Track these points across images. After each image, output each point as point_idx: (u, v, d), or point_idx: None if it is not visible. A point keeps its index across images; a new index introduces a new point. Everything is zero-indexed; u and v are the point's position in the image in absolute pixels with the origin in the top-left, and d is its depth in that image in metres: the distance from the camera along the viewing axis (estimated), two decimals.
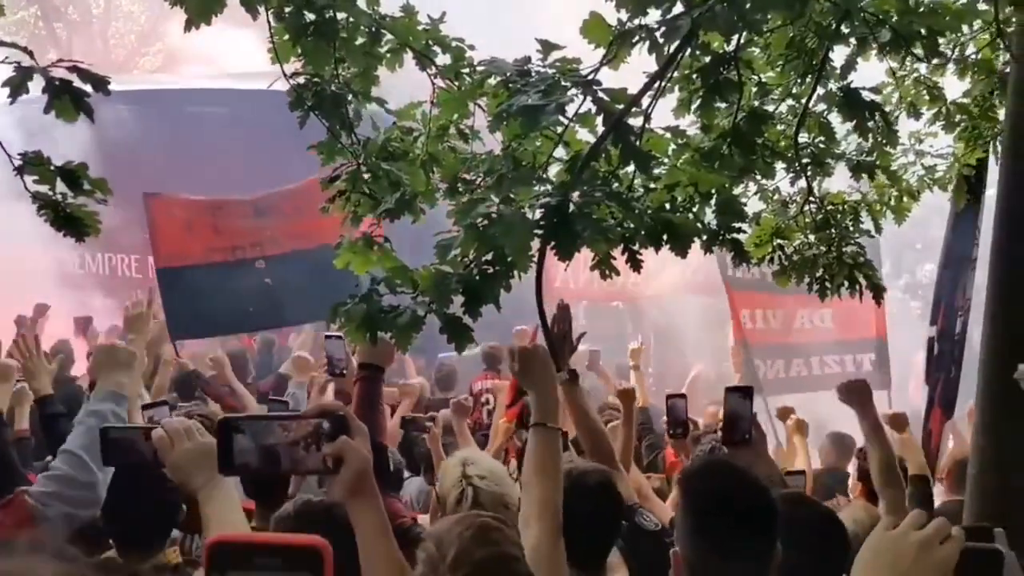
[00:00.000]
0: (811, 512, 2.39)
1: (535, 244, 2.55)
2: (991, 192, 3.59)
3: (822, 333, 6.97)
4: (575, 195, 2.37)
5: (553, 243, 2.32)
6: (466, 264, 2.41)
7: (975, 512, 3.41)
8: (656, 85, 2.92)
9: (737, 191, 3.68)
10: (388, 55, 3.17)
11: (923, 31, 2.98)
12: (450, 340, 2.47)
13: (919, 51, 3.04)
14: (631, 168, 3.26)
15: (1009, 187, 3.31)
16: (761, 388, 6.73)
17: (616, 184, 3.01)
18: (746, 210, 3.56)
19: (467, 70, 3.12)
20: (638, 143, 2.99)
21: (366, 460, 1.60)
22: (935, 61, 3.82)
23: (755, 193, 3.87)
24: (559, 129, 2.56)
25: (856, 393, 3.28)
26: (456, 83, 3.16)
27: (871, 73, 3.77)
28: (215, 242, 6.46)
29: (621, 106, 2.43)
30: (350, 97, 3.17)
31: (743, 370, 6.95)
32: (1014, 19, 3.12)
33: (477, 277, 2.38)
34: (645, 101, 2.67)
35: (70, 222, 2.36)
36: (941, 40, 3.82)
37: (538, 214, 2.35)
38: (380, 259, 2.99)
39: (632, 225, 3.21)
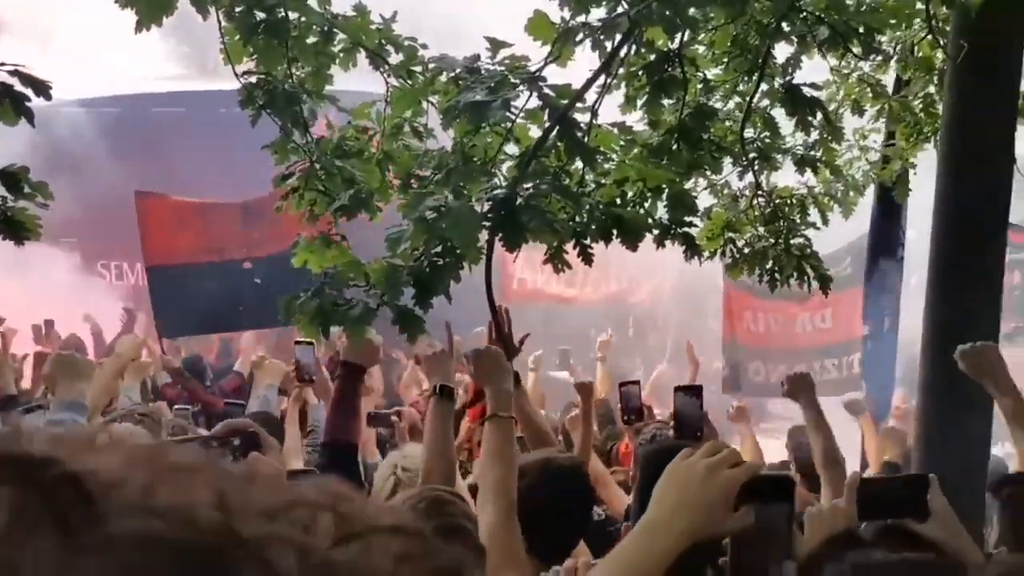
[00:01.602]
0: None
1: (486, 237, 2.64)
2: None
3: (823, 335, 7.02)
4: (522, 188, 2.43)
5: (501, 235, 2.38)
6: (416, 257, 2.46)
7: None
8: (603, 82, 3.01)
9: (688, 186, 3.78)
10: (341, 54, 3.23)
11: (860, 29, 3.10)
12: (402, 331, 2.52)
13: (857, 49, 3.16)
14: (581, 163, 3.36)
15: (947, 182, 3.43)
16: (739, 387, 6.83)
17: (566, 179, 3.09)
18: (697, 204, 3.68)
19: (419, 68, 3.18)
20: (585, 138, 3.09)
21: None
22: (877, 59, 3.96)
23: (705, 188, 3.97)
24: (507, 125, 2.62)
25: (799, 386, 3.37)
26: (410, 81, 3.22)
27: (819, 71, 3.90)
28: (203, 243, 6.52)
29: (567, 102, 2.50)
30: (304, 96, 3.23)
31: (727, 371, 7.08)
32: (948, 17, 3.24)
33: (427, 269, 2.44)
34: (591, 97, 2.75)
35: (11, 225, 2.35)
36: (883, 38, 4.00)
37: (487, 207, 2.42)
38: (337, 257, 3.03)
39: (583, 219, 3.32)
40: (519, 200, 2.39)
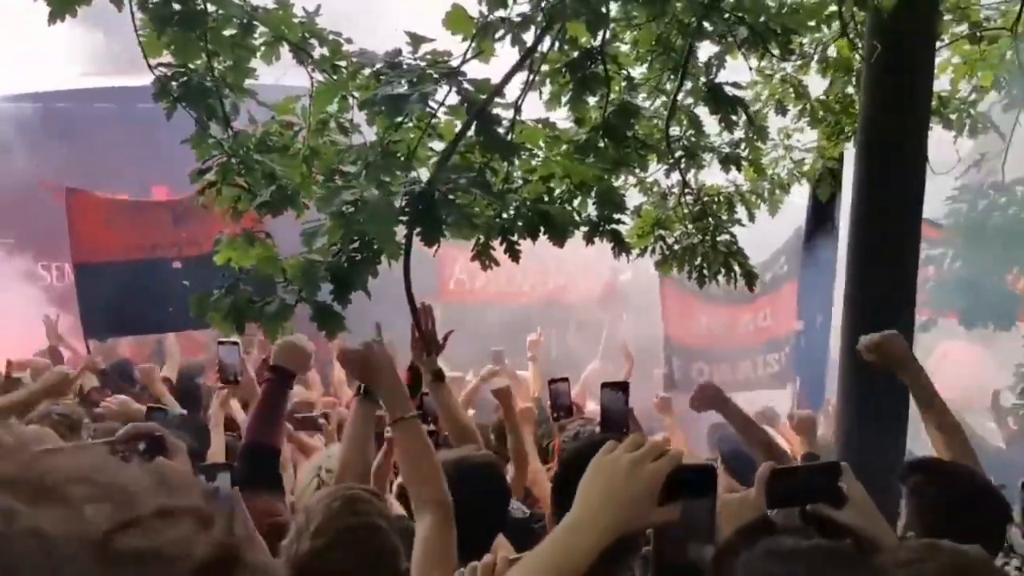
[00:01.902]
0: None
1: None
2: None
3: (764, 332, 7.12)
4: (441, 183, 2.42)
5: (418, 229, 2.37)
6: (334, 252, 2.43)
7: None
8: (526, 78, 3.02)
9: (617, 184, 3.82)
10: (263, 48, 3.18)
11: (778, 30, 3.17)
12: (321, 328, 2.49)
13: (776, 50, 3.23)
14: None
15: (862, 179, 3.53)
16: (681, 387, 6.89)
17: (491, 175, 3.09)
18: (626, 202, 3.71)
19: (343, 63, 3.14)
20: (509, 134, 3.09)
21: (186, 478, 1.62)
22: (799, 61, 4.06)
23: (634, 185, 4.02)
24: (427, 119, 2.61)
25: (709, 397, 3.28)
26: (334, 76, 3.18)
27: (747, 71, 3.98)
28: (133, 241, 6.37)
29: (485, 97, 2.50)
30: (227, 91, 3.17)
31: (668, 369, 7.17)
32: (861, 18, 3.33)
33: (345, 265, 2.41)
34: (514, 93, 2.76)
35: None
36: (804, 40, 4.10)
37: (405, 202, 2.40)
38: (262, 254, 2.97)
39: (510, 216, 3.32)
40: (437, 195, 2.38)
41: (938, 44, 3.74)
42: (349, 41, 3.17)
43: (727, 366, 7.02)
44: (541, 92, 3.08)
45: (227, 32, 3.03)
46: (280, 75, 3.36)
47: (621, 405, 3.37)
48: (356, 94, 3.03)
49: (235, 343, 3.53)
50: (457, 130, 2.80)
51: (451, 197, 2.43)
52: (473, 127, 2.44)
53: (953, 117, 4.11)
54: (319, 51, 3.17)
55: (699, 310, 6.95)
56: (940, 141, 4.15)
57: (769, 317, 6.51)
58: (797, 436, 4.68)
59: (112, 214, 6.47)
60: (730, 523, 1.96)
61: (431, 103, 2.60)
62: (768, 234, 4.16)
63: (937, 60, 4.35)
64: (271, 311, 2.39)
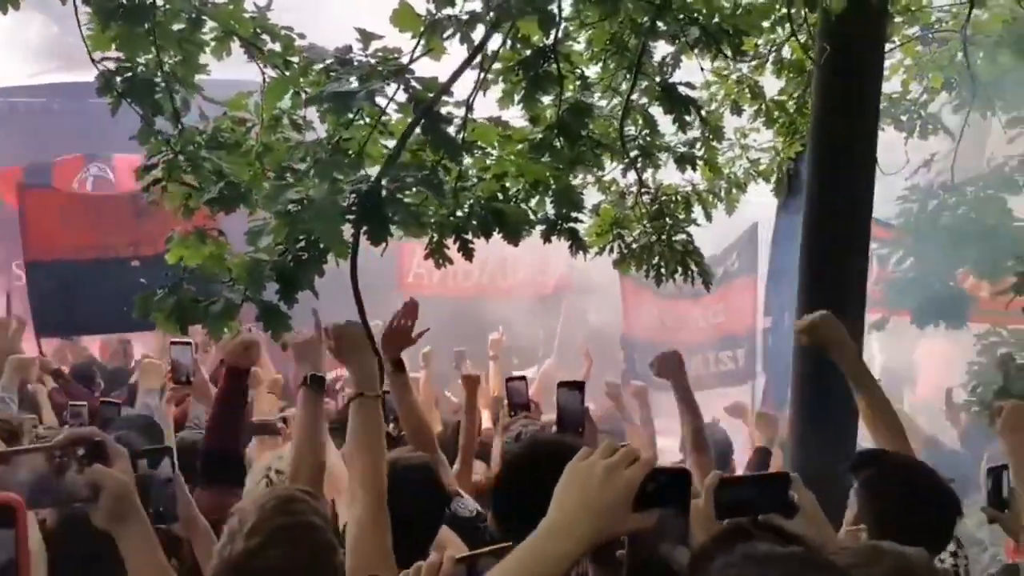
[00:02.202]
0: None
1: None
2: None
3: (717, 329, 7.19)
4: (388, 181, 2.41)
5: (365, 228, 2.35)
6: (281, 251, 2.41)
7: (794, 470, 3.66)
8: (478, 76, 3.01)
9: (576, 182, 3.83)
10: (213, 43, 3.14)
11: (730, 30, 3.20)
12: (266, 328, 2.47)
13: (728, 50, 3.26)
14: (467, 159, 3.36)
15: (814, 180, 3.58)
16: (634, 379, 6.94)
17: (444, 174, 3.08)
18: (583, 200, 3.73)
19: (296, 59, 3.11)
20: (461, 133, 3.09)
21: (123, 485, 1.59)
22: (754, 62, 4.10)
23: (593, 184, 4.03)
24: (375, 116, 2.59)
25: (668, 365, 3.42)
26: (287, 72, 3.15)
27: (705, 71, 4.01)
28: (89, 239, 6.26)
29: (433, 95, 2.49)
30: (178, 86, 3.12)
31: (627, 364, 7.22)
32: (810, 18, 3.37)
33: (291, 264, 2.39)
34: (464, 91, 2.75)
35: None
36: (760, 41, 4.14)
37: (352, 201, 2.39)
38: (214, 252, 2.94)
39: (465, 214, 3.32)
40: (385, 193, 2.36)
41: (889, 46, 3.80)
42: (302, 36, 3.15)
43: (700, 360, 7.08)
44: (490, 91, 3.09)
45: (175, 27, 2.99)
46: (240, 70, 3.32)
47: (577, 404, 3.39)
48: (309, 90, 3.01)
49: (188, 343, 3.49)
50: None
51: (399, 196, 2.42)
52: (421, 125, 2.42)
53: (904, 119, 4.18)
54: (271, 46, 3.15)
55: (653, 304, 7.00)
56: (892, 142, 4.22)
57: (722, 313, 6.57)
58: (757, 432, 4.75)
59: (69, 210, 6.36)
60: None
61: (382, 100, 2.58)
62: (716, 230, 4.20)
63: (888, 62, 4.43)
64: (216, 311, 2.37)
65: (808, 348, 3.58)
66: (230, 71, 3.35)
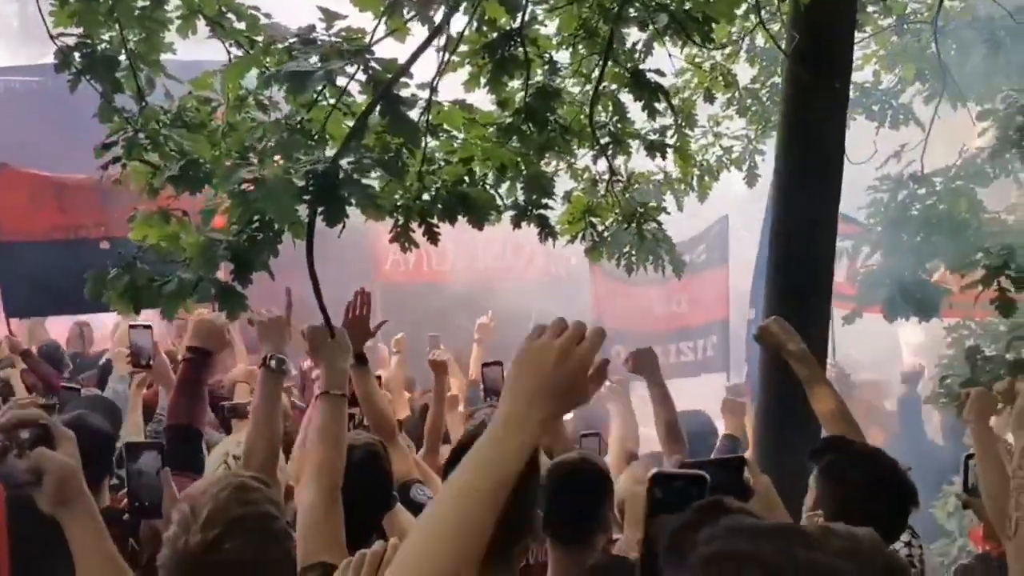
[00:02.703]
0: (584, 466, 2.58)
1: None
2: None
3: (680, 319, 7.22)
4: (346, 162, 2.39)
5: (321, 209, 2.34)
6: (235, 231, 2.39)
7: (759, 460, 3.69)
8: (442, 59, 3.00)
9: (548, 169, 3.82)
10: (179, 21, 3.11)
11: (699, 17, 3.18)
12: (222, 308, 2.45)
13: (697, 37, 3.25)
14: (432, 142, 3.34)
15: (782, 171, 3.58)
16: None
17: (408, 156, 3.06)
18: (553, 187, 3.72)
19: (260, 38, 3.08)
20: (426, 116, 3.07)
21: (68, 468, 1.57)
22: (727, 49, 4.09)
23: (564, 171, 4.02)
24: (337, 96, 2.57)
25: (643, 362, 3.46)
26: (251, 51, 3.12)
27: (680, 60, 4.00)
28: (58, 220, 6.20)
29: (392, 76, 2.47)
30: (142, 64, 3.09)
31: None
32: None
33: (246, 244, 2.37)
34: (426, 74, 2.73)
35: None
36: (733, 29, 4.13)
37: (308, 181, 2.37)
38: (179, 232, 2.92)
39: (431, 197, 3.30)
40: (342, 175, 2.35)
41: (862, 36, 3.79)
42: (268, 16, 3.12)
43: (671, 348, 7.09)
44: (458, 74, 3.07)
45: (139, 3, 2.96)
46: (215, 51, 3.29)
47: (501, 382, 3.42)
48: (274, 70, 2.98)
49: (147, 326, 3.47)
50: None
51: (357, 177, 2.40)
52: (379, 107, 2.40)
53: (876, 108, 4.18)
54: (237, 25, 3.12)
55: (619, 292, 7.02)
56: (859, 135, 4.22)
57: (685, 304, 6.59)
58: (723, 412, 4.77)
59: (37, 190, 6.29)
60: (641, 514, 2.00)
61: (342, 81, 2.56)
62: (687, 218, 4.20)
63: (861, 51, 4.43)
64: (169, 290, 2.35)
65: None
66: (203, 51, 3.33)
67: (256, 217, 2.35)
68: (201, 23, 3.15)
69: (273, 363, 2.47)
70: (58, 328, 7.08)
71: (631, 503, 2.57)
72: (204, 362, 3.10)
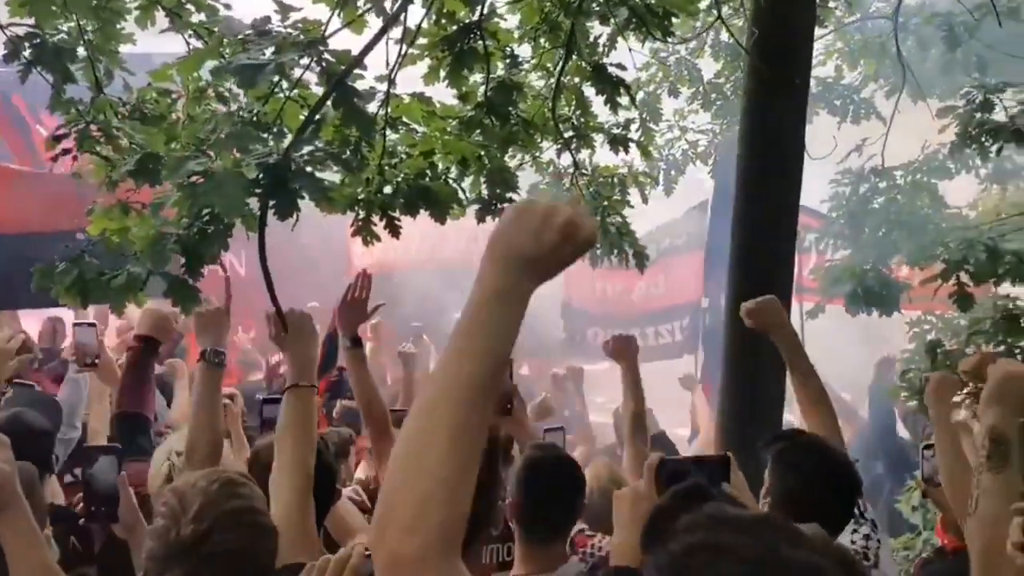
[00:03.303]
0: (552, 458, 2.58)
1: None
2: None
3: (658, 301, 7.20)
4: (298, 155, 2.38)
5: (272, 202, 2.32)
6: (185, 224, 2.37)
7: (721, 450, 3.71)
8: (400, 51, 2.98)
9: (514, 163, 3.82)
10: (137, 11, 3.07)
11: (660, 12, 3.19)
12: (175, 304, 2.43)
13: (657, 32, 3.25)
14: (392, 135, 3.33)
15: (744, 164, 3.60)
16: (579, 352, 6.96)
17: (368, 149, 3.05)
18: (517, 180, 3.71)
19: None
20: (385, 108, 3.06)
21: (2, 474, 1.57)
22: (691, 44, 4.10)
23: (529, 164, 4.02)
24: (291, 88, 2.55)
25: (624, 348, 3.45)
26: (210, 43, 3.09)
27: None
28: (34, 213, 6.13)
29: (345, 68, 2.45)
30: (100, 56, 3.06)
31: (566, 335, 7.25)
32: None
33: (196, 237, 2.35)
34: (375, 67, 2.71)
35: None
36: (697, 24, 4.15)
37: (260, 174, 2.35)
38: (139, 225, 2.89)
39: (393, 190, 3.29)
40: (294, 167, 2.33)
41: (823, 32, 3.81)
42: (227, 7, 3.09)
43: (649, 331, 7.10)
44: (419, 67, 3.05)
45: None
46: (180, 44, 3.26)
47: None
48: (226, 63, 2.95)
49: (92, 324, 3.44)
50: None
51: (310, 170, 2.39)
52: (333, 99, 2.39)
53: (838, 103, 4.21)
54: (196, 17, 3.09)
55: (596, 275, 7.02)
56: (826, 126, 4.25)
57: (662, 285, 6.60)
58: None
59: (11, 183, 6.24)
60: (625, 515, 2.01)
61: (297, 72, 2.54)
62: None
63: (824, 47, 4.46)
64: (118, 284, 2.32)
65: (738, 327, 3.64)
66: (172, 45, 3.30)
67: (206, 210, 2.32)
68: (161, 15, 3.13)
69: (212, 357, 2.45)
70: (35, 323, 6.99)
71: (615, 505, 2.52)
72: (152, 351, 3.10)
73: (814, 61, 3.91)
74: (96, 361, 3.37)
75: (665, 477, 1.92)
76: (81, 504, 2.61)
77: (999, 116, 3.96)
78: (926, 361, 4.45)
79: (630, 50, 3.34)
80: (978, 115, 3.89)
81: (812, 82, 4.00)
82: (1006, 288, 3.96)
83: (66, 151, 2.76)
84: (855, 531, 2.36)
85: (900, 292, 4.38)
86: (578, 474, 2.57)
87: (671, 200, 5.04)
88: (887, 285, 4.32)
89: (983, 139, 3.90)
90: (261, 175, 2.32)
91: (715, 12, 3.82)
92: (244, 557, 1.68)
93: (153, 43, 3.26)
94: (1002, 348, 4.19)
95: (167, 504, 1.71)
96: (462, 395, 1.05)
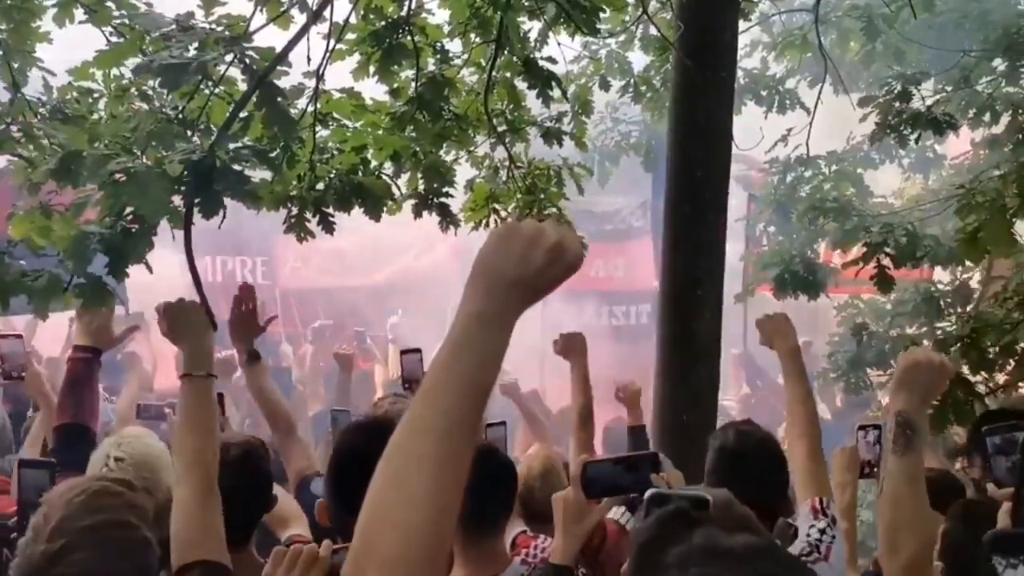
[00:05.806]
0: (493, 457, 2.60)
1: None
2: None
3: (614, 282, 7.23)
4: (222, 153, 2.35)
5: (197, 200, 2.30)
6: (108, 224, 2.33)
7: (658, 445, 3.78)
8: (328, 47, 2.97)
9: (449, 158, 3.82)
10: (55, 9, 3.00)
11: (586, 6, 3.23)
12: (85, 304, 2.40)
13: (584, 26, 3.29)
14: (323, 131, 3.31)
15: (673, 155, 3.67)
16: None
17: (299, 145, 3.03)
18: (453, 175, 3.73)
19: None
20: (314, 105, 3.04)
21: None
22: (621, 37, 4.16)
23: (465, 159, 4.03)
24: (215, 85, 2.52)
25: (573, 345, 3.49)
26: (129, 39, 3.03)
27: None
28: None
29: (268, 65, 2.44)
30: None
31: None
32: None
33: (120, 236, 2.31)
34: (315, 63, 2.70)
35: None
36: (626, 17, 4.20)
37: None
38: (63, 228, 2.82)
39: (325, 186, 3.28)
40: (219, 164, 2.31)
41: (748, 25, 3.91)
42: (149, 5, 3.03)
43: (575, 310, 7.06)
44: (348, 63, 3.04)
45: None
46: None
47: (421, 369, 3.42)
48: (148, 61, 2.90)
49: (19, 336, 3.35)
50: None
51: (236, 167, 2.36)
52: (255, 98, 2.37)
53: (764, 94, 4.31)
54: (117, 14, 3.03)
55: None
56: (753, 118, 4.36)
57: (622, 268, 6.62)
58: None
59: None
60: (560, 519, 2.04)
61: (220, 69, 2.51)
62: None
63: (750, 38, 4.57)
64: (40, 286, 2.27)
65: (670, 314, 3.73)
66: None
67: (129, 209, 2.29)
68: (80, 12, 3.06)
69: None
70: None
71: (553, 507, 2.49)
72: (92, 360, 3.03)
73: (741, 53, 4.00)
74: (23, 374, 3.27)
75: (587, 481, 1.97)
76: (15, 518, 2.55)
77: (917, 105, 4.12)
78: (852, 343, 4.61)
79: (559, 44, 3.37)
80: (897, 104, 4.04)
81: (739, 73, 4.10)
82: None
83: None
84: (812, 525, 2.44)
85: (827, 277, 4.52)
86: (509, 472, 2.54)
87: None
88: (813, 270, 4.45)
89: (902, 128, 4.06)
90: (183, 174, 2.29)
91: (641, 7, 3.88)
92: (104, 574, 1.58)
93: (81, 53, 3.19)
94: (924, 329, 4.37)
95: (37, 515, 1.63)
96: (446, 425, 1.02)
